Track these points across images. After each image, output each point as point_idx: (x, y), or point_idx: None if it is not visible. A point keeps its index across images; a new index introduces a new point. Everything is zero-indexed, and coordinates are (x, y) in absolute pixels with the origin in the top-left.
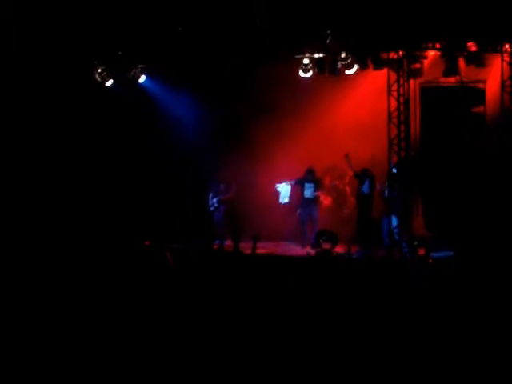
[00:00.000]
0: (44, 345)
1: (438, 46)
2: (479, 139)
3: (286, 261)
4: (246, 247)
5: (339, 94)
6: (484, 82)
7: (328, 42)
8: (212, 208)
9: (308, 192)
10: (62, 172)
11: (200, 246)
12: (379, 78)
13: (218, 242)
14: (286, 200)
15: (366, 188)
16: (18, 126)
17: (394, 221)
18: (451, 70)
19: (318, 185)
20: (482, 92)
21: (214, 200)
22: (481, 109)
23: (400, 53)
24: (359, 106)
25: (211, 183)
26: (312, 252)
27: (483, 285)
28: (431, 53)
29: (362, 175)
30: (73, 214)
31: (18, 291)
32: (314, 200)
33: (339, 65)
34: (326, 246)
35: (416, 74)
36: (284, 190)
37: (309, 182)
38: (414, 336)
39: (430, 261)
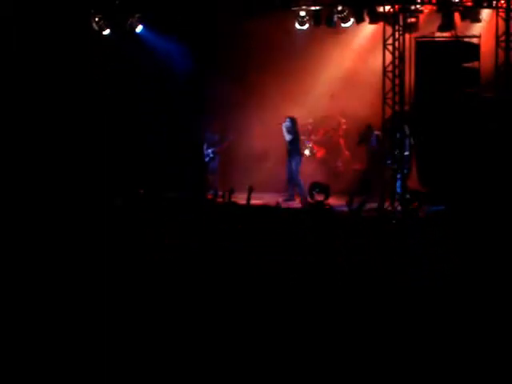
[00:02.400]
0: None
1: (433, 0)
2: (474, 94)
3: (281, 212)
4: (240, 198)
5: (335, 46)
6: (479, 37)
7: None
8: (207, 159)
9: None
10: (57, 118)
11: (194, 196)
12: (376, 31)
13: (212, 192)
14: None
15: (373, 142)
16: (13, 73)
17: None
18: (447, 24)
19: (291, 134)
20: (477, 47)
21: (209, 150)
22: (475, 64)
23: (396, 7)
24: (355, 58)
25: (206, 134)
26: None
27: (474, 239)
28: (427, 7)
29: (368, 132)
30: (68, 162)
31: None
32: (291, 150)
33: (335, 17)
34: (319, 197)
35: (412, 28)
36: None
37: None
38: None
39: (422, 214)
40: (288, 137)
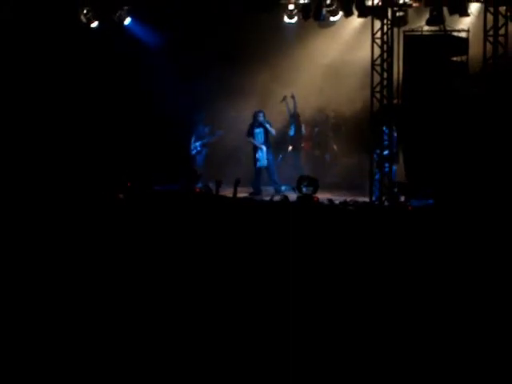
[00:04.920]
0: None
1: None
2: (463, 88)
3: (268, 206)
4: (226, 191)
5: (324, 40)
6: (467, 31)
7: None
8: (194, 152)
9: (258, 138)
10: (46, 111)
11: (181, 189)
12: (364, 25)
13: (199, 185)
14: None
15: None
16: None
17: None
18: (435, 18)
19: (269, 125)
20: (465, 41)
21: (197, 144)
22: (463, 58)
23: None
24: (343, 52)
25: (195, 127)
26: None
27: (461, 232)
28: (415, 1)
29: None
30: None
31: None
32: (267, 145)
33: (324, 11)
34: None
35: (400, 22)
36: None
37: (257, 127)
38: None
39: (410, 208)
40: (273, 131)
